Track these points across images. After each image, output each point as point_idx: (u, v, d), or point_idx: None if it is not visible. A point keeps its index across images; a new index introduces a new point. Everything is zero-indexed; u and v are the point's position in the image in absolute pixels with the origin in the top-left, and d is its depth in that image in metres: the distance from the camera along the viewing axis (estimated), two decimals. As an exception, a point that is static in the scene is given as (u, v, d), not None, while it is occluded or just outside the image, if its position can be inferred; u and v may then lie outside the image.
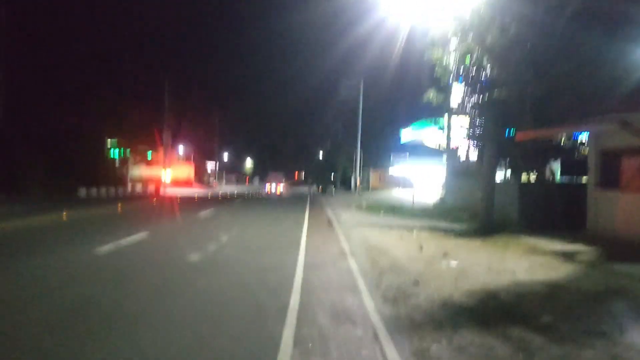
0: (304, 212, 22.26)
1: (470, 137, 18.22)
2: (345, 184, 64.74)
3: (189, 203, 29.51)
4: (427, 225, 17.03)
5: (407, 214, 21.59)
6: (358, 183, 47.81)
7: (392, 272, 8.20)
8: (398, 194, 39.98)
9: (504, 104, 13.76)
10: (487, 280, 7.63)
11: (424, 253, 10.42)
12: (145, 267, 8.54)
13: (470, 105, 15.84)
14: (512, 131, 14.77)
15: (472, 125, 16.96)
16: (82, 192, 38.76)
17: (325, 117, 79.51)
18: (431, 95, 16.74)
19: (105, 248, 9.98)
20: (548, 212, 15.54)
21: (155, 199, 34.82)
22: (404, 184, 35.82)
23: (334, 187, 64.31)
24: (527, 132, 13.22)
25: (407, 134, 51.32)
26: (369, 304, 6.23)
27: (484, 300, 6.45)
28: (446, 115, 36.88)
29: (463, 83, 15.16)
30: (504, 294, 6.78)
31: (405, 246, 11.41)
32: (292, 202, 34.18)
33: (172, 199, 34.47)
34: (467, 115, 19.89)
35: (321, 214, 21.10)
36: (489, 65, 13.69)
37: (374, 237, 13.10)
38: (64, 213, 17.54)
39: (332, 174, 76.21)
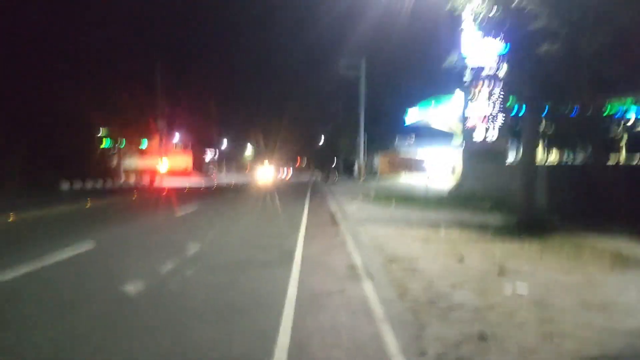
0: (303, 205, 19.22)
1: (500, 109, 15.02)
2: (349, 169, 61.66)
3: (177, 196, 26.50)
4: (451, 219, 14.00)
5: (422, 203, 18.57)
6: (363, 169, 44.66)
7: (437, 312, 5.17)
8: (408, 180, 36.87)
9: (552, 63, 10.59)
10: (599, 330, 4.61)
11: (469, 267, 7.40)
12: (44, 311, 5.49)
13: (504, 67, 12.67)
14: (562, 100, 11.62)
15: (503, 94, 13.76)
16: (65, 185, 35.84)
17: (327, 100, 76.23)
18: (455, 58, 13.68)
19: (13, 274, 6.94)
20: (602, 200, 12.44)
21: (140, 192, 31.85)
22: (414, 168, 32.87)
23: (337, 173, 61.23)
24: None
25: (414, 115, 47.91)
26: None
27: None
28: (457, 91, 33.72)
29: (496, 37, 11.94)
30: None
31: (436, 254, 8.38)
32: (290, 192, 31.16)
33: (161, 192, 31.49)
34: (490, 86, 16.75)
35: (323, 207, 18.07)
36: (531, 9, 10.49)
37: (392, 239, 10.08)
38: (11, 214, 14.49)
39: (335, 159, 73.10)
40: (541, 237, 10.00)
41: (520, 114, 15.48)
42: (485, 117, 24.19)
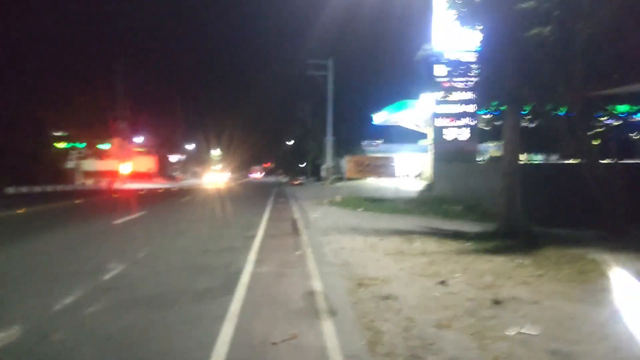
0: (264, 210, 17.58)
1: (478, 101, 13.77)
2: (317, 172, 60.21)
3: (129, 199, 24.43)
4: (424, 226, 12.66)
5: (392, 208, 17.21)
6: (330, 172, 43.22)
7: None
8: (376, 183, 35.58)
9: (540, 50, 9.29)
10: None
11: (454, 293, 5.95)
12: None
13: (483, 54, 11.33)
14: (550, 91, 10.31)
15: (481, 84, 12.43)
16: (11, 189, 33.24)
17: (295, 102, 74.79)
18: (427, 50, 12.37)
19: None
20: (584, 201, 11.26)
21: (92, 195, 29.57)
22: (382, 170, 31.61)
23: (305, 176, 59.68)
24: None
25: (382, 116, 46.75)
26: None
27: None
28: (423, 95, 32.79)
29: (475, 21, 10.59)
30: None
31: (413, 274, 6.92)
32: (254, 195, 29.46)
33: (115, 195, 29.31)
34: (464, 82, 15.52)
35: (285, 213, 16.46)
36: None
37: (360, 253, 8.58)
38: None
39: (304, 163, 71.52)
40: (529, 249, 8.68)
41: (500, 111, 14.31)
42: (457, 116, 23.09)
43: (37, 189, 36.57)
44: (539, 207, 12.38)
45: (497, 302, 5.49)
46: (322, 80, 45.50)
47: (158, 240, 10.36)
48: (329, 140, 43.95)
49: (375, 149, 53.66)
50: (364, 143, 56.71)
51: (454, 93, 21.73)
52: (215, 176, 67.90)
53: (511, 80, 10.84)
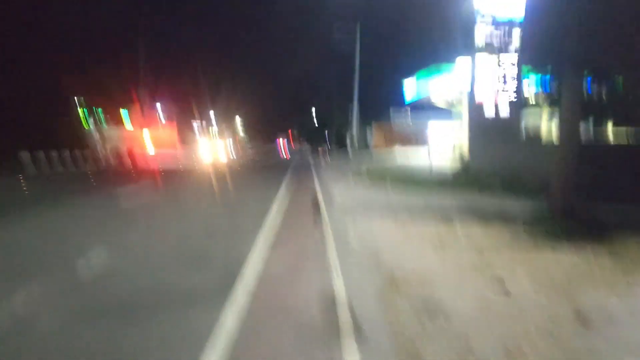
0: (281, 182, 16.23)
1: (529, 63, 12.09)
2: (340, 143, 58.54)
3: (137, 169, 23.32)
4: (464, 206, 11.14)
5: (423, 182, 15.70)
6: (355, 143, 41.57)
7: None
8: (404, 153, 33.87)
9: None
10: None
11: (521, 302, 4.50)
12: None
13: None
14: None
15: (536, 42, 10.67)
16: (25, 155, 32.54)
17: (319, 70, 72.76)
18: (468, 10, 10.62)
19: None
20: None
21: (107, 163, 28.64)
22: (412, 142, 29.92)
23: (329, 147, 58.13)
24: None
25: (411, 87, 44.51)
26: None
27: None
28: (460, 59, 30.52)
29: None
30: None
31: (461, 272, 5.47)
32: (272, 166, 28.17)
33: (125, 163, 28.30)
34: (511, 45, 13.68)
35: (304, 186, 15.09)
36: None
37: (392, 240, 7.15)
38: None
39: (326, 132, 69.79)
40: (596, 235, 7.13)
41: (552, 75, 12.56)
42: (498, 86, 21.13)
43: (54, 154, 35.90)
44: (596, 187, 10.77)
45: (581, 318, 4.04)
46: (348, 45, 43.43)
47: (159, 218, 9.09)
48: (355, 108, 42.13)
49: (404, 117, 51.63)
50: (392, 111, 54.65)
51: (496, 57, 19.77)
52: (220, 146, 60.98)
53: (572, 39, 9.13)
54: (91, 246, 6.51)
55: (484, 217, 9.21)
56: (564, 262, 5.88)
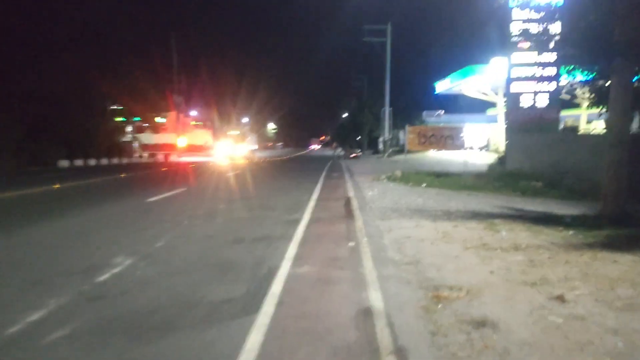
0: (315, 186, 15.82)
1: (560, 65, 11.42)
2: (373, 146, 57.85)
3: (171, 175, 23.27)
4: (504, 206, 10.55)
5: (460, 184, 15.06)
6: (388, 144, 40.89)
7: None
8: (439, 156, 33.09)
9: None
10: None
11: (585, 321, 3.91)
12: None
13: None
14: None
15: (582, 33, 9.88)
16: (65, 162, 33.24)
17: (351, 73, 72.26)
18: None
19: None
20: None
21: (141, 169, 28.84)
22: (449, 143, 29.09)
23: (361, 150, 57.49)
24: None
25: (444, 86, 43.57)
26: None
27: None
28: (494, 60, 29.65)
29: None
30: None
31: (512, 284, 4.90)
32: (306, 169, 27.79)
33: (160, 170, 28.44)
34: (551, 35, 12.85)
35: (338, 190, 14.63)
36: None
37: (431, 245, 6.62)
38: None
39: (360, 136, 69.18)
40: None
41: (597, 70, 11.70)
42: (537, 79, 20.20)
43: (92, 162, 36.53)
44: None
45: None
46: (379, 48, 42.84)
47: (185, 223, 8.78)
48: (387, 111, 41.48)
49: (436, 119, 50.63)
50: (424, 113, 53.72)
51: (533, 52, 18.95)
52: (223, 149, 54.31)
53: (624, 26, 8.43)
54: (139, 242, 6.23)
55: (530, 221, 8.57)
56: (628, 272, 5.24)
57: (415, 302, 4.36)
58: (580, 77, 12.91)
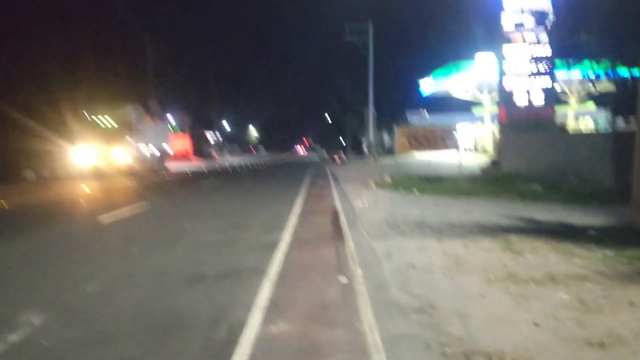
0: (296, 197, 14.29)
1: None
2: (357, 148, 56.50)
3: (137, 186, 21.55)
4: (511, 215, 9.26)
5: (455, 190, 13.67)
6: (373, 147, 39.54)
7: None
8: (427, 158, 31.74)
9: None
10: None
11: None
12: None
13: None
14: None
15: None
16: (30, 173, 31.16)
17: (332, 75, 71.01)
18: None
19: None
20: None
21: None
22: (441, 144, 27.93)
23: (345, 153, 56.06)
24: None
25: (429, 85, 42.29)
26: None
27: None
28: (479, 55, 28.49)
29: None
30: None
31: (571, 347, 3.46)
32: (287, 175, 26.28)
33: (126, 180, 26.63)
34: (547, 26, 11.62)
35: (323, 201, 13.12)
36: None
37: (444, 281, 5.15)
38: None
39: (341, 138, 67.78)
40: None
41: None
42: (534, 74, 18.96)
43: (59, 173, 34.44)
44: None
45: None
46: (361, 47, 41.43)
47: (136, 253, 7.19)
48: (370, 112, 40.11)
49: (420, 119, 49.45)
50: (407, 112, 52.55)
51: (528, 44, 17.79)
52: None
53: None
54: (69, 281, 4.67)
55: (549, 235, 7.19)
56: None
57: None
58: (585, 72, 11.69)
